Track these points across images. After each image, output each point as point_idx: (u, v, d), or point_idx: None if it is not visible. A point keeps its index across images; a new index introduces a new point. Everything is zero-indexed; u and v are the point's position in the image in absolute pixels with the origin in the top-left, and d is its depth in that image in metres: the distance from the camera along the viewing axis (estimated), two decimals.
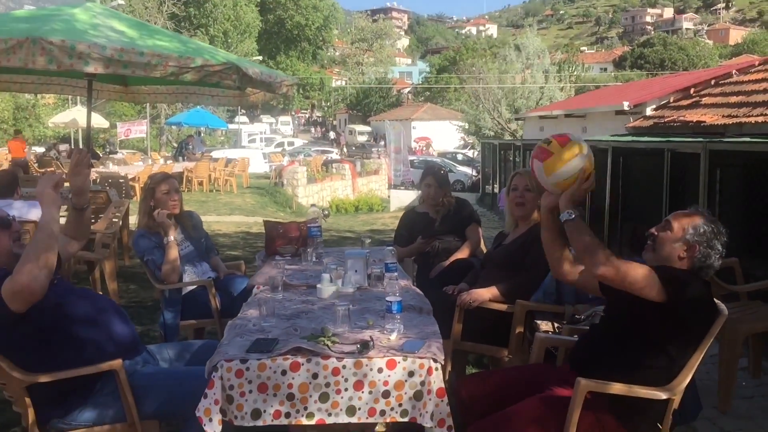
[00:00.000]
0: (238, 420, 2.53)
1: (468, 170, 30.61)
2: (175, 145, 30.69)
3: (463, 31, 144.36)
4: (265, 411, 2.53)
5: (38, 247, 2.57)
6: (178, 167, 20.18)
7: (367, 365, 2.51)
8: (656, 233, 2.70)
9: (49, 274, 2.56)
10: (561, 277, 2.93)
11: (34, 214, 5.85)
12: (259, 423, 2.53)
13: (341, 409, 2.54)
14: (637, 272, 2.47)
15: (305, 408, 2.54)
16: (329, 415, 2.54)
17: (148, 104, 25.87)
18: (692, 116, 11.19)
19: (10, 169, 9.07)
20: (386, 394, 2.54)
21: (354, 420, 2.55)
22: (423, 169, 6.25)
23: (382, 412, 2.55)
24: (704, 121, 10.47)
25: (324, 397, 2.54)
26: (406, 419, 2.56)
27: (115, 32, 5.87)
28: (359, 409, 2.54)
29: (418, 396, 2.54)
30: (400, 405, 2.55)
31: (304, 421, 2.55)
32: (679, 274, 2.55)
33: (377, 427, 3.02)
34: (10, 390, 2.70)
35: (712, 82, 13.30)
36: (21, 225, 2.93)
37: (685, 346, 2.52)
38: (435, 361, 2.53)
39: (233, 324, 2.98)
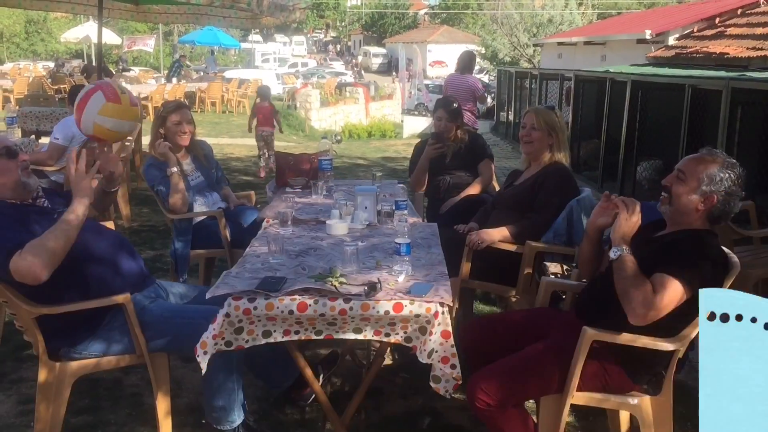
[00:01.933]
0: (249, 342, 2.58)
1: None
2: (189, 63, 30.35)
3: None
4: (275, 331, 2.59)
5: (57, 241, 2.57)
6: (191, 87, 20.01)
7: (374, 308, 2.52)
8: (670, 185, 2.60)
9: (58, 264, 2.58)
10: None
11: None
12: (270, 340, 2.59)
13: (348, 329, 2.60)
14: (672, 301, 2.39)
15: (313, 328, 2.60)
16: (336, 332, 2.61)
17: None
18: (716, 47, 10.89)
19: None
20: (392, 324, 2.58)
21: (360, 337, 2.62)
22: (437, 94, 6.16)
23: (387, 334, 2.60)
24: (728, 53, 10.19)
25: (331, 324, 2.59)
26: (408, 345, 2.61)
27: None
28: (365, 330, 2.60)
29: (422, 331, 2.58)
30: (405, 333, 2.59)
31: (313, 337, 2.61)
32: (703, 265, 2.45)
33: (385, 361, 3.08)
34: (20, 320, 2.74)
35: (739, 11, 12.88)
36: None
37: (695, 299, 2.49)
38: (442, 305, 2.54)
39: (242, 260, 2.99)
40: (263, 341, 2.60)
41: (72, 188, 2.75)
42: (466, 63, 8.70)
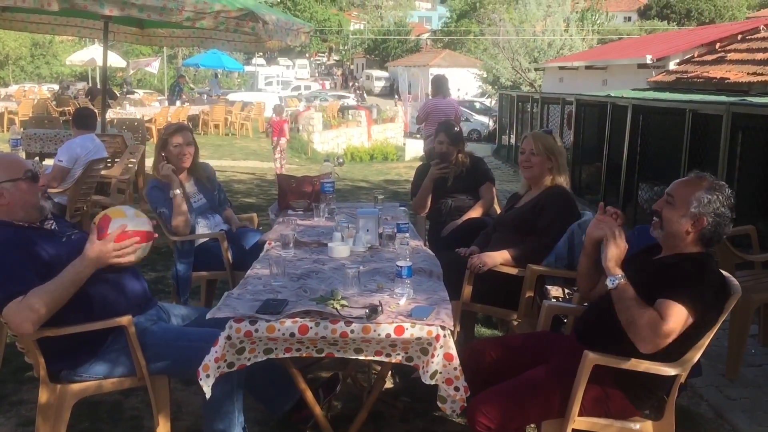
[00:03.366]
0: (251, 360, 2.59)
1: (485, 119, 30.30)
2: (192, 86, 30.56)
3: None
4: (276, 348, 2.60)
5: (58, 295, 2.59)
6: (195, 110, 20.13)
7: (375, 330, 2.52)
8: (660, 210, 2.62)
9: (45, 320, 2.60)
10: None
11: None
12: (272, 356, 2.60)
13: (349, 349, 2.61)
14: (678, 326, 2.39)
15: (315, 347, 2.61)
16: (338, 351, 2.62)
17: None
18: (716, 72, 10.97)
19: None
20: (393, 345, 2.59)
21: (361, 357, 2.63)
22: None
23: (388, 355, 2.61)
24: (728, 78, 10.27)
25: (332, 344, 2.60)
26: (410, 364, 2.61)
27: None
28: (366, 350, 2.61)
29: (424, 352, 2.58)
30: (406, 353, 2.60)
31: (315, 354, 2.63)
32: (705, 289, 2.46)
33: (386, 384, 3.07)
34: (21, 342, 2.74)
35: (739, 37, 13.00)
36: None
37: (696, 326, 2.49)
38: (443, 328, 2.54)
39: (244, 282, 3.00)
40: (264, 357, 2.61)
41: (91, 253, 2.66)
42: (441, 86, 9.12)
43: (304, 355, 2.63)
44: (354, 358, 2.64)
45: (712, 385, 3.93)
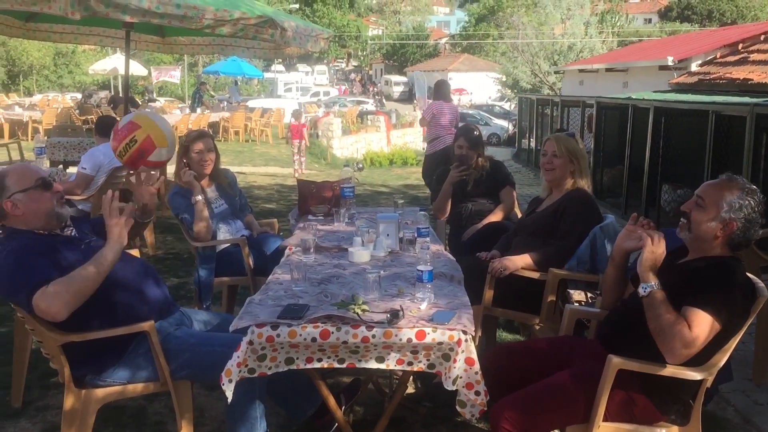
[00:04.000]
0: (272, 369, 2.59)
1: (504, 123, 30.20)
2: (213, 93, 30.78)
3: None
4: (297, 358, 2.60)
5: (83, 283, 2.61)
6: (215, 117, 20.28)
7: (396, 335, 2.52)
8: (689, 211, 2.58)
9: (78, 305, 2.62)
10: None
11: None
12: (293, 367, 2.60)
13: (371, 358, 2.60)
14: (704, 334, 2.36)
15: (336, 355, 2.60)
16: (359, 361, 2.61)
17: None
18: (739, 73, 10.84)
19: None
20: (414, 352, 2.58)
21: (383, 366, 2.61)
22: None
23: (410, 363, 2.60)
24: (751, 79, 10.15)
25: (354, 352, 2.60)
26: (432, 371, 2.60)
27: None
28: (388, 359, 2.60)
29: (446, 358, 2.57)
30: (428, 360, 2.59)
31: (336, 365, 2.62)
32: (732, 294, 2.42)
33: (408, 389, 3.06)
34: (46, 347, 2.77)
35: (762, 37, 12.84)
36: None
37: (724, 328, 2.45)
38: (465, 333, 2.53)
39: (265, 288, 3.01)
40: (286, 368, 2.60)
41: (108, 232, 2.77)
42: (443, 90, 9.44)
43: (325, 365, 2.62)
44: (375, 368, 2.63)
45: (738, 389, 3.88)
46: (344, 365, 2.61)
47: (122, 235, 2.76)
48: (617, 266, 2.82)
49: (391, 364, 2.61)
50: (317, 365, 2.62)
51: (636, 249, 2.66)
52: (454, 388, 2.55)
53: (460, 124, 6.51)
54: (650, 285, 2.46)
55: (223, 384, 2.54)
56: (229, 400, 2.56)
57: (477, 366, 2.55)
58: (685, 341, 2.34)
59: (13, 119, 17.99)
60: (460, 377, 2.54)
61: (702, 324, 2.34)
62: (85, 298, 2.62)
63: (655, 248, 2.53)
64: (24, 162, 6.56)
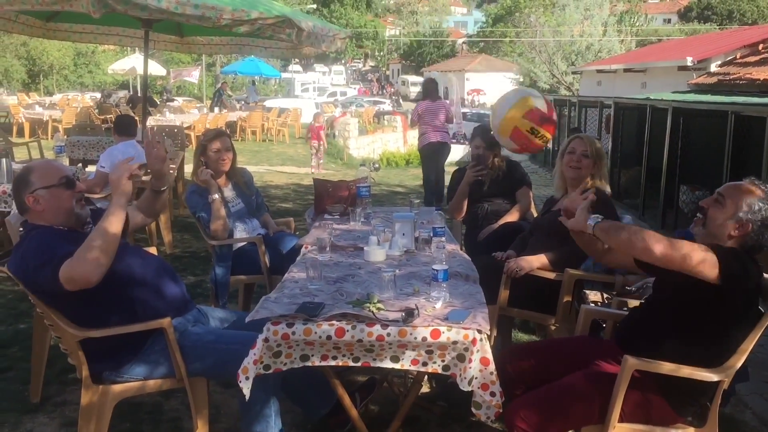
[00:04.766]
0: (287, 365, 2.61)
1: None
2: (231, 93, 30.95)
3: None
4: (312, 355, 2.61)
5: (103, 240, 2.61)
6: (232, 116, 20.38)
7: (411, 334, 2.52)
8: (707, 207, 2.58)
9: (108, 265, 2.61)
10: (609, 264, 3.00)
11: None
12: (308, 364, 2.61)
13: (386, 357, 2.61)
14: (692, 247, 2.37)
15: (351, 353, 2.61)
16: (374, 360, 2.61)
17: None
18: (759, 74, 10.73)
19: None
20: (429, 352, 2.58)
21: (397, 366, 2.62)
22: (475, 122, 6.25)
23: (425, 363, 2.60)
24: None
25: (369, 350, 2.60)
26: (447, 373, 2.60)
27: None
28: (402, 359, 2.60)
29: (461, 358, 2.56)
30: (443, 361, 2.58)
31: (351, 363, 2.63)
32: (737, 255, 2.43)
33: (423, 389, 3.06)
34: (65, 343, 2.80)
35: None
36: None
37: (739, 327, 2.44)
38: (480, 332, 2.52)
39: (281, 285, 3.02)
40: (301, 364, 2.62)
41: (112, 188, 2.78)
42: (432, 89, 10.20)
43: (340, 363, 2.63)
44: (390, 367, 2.63)
45: (756, 392, 3.84)
46: (359, 364, 2.62)
47: (127, 185, 2.78)
48: (580, 239, 2.94)
49: (405, 364, 2.61)
50: (332, 363, 2.63)
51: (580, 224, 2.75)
52: (470, 389, 2.55)
53: (475, 125, 6.50)
54: (596, 216, 2.60)
55: (240, 381, 2.55)
56: (247, 397, 2.58)
57: (492, 366, 2.54)
58: (655, 235, 2.40)
59: (34, 118, 18.20)
60: (476, 378, 2.54)
61: (689, 242, 2.40)
62: (110, 255, 2.61)
63: (573, 198, 2.77)
64: (49, 159, 6.63)
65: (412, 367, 2.62)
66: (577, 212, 2.69)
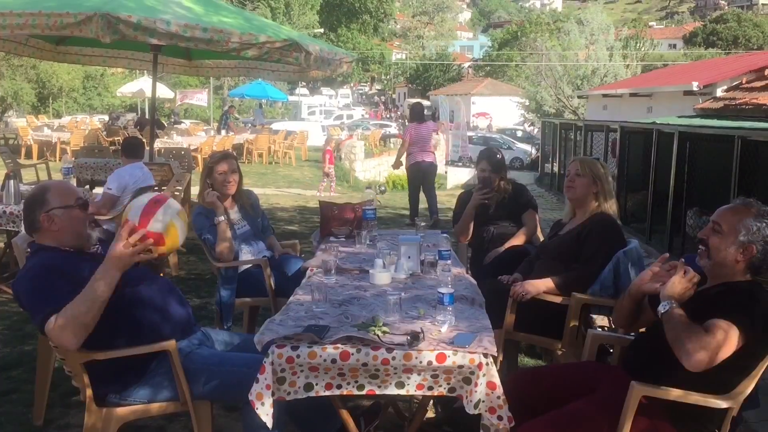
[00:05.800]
0: (291, 395, 2.58)
1: (527, 147, 30.16)
2: (237, 116, 31.16)
3: (527, 4, 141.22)
4: (317, 384, 2.59)
5: (86, 308, 2.59)
6: (239, 139, 20.49)
7: (416, 357, 2.50)
8: (707, 238, 2.56)
9: (91, 329, 2.61)
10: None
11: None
12: (312, 394, 2.59)
13: (390, 383, 2.58)
14: (724, 341, 2.33)
15: (356, 381, 2.59)
16: (378, 387, 2.59)
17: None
18: (765, 99, 10.74)
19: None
20: (435, 377, 2.56)
21: (403, 392, 2.59)
22: (481, 145, 6.28)
23: (430, 387, 2.58)
24: None
25: (374, 376, 2.58)
26: (453, 395, 2.58)
27: (182, 8, 5.98)
28: (408, 384, 2.58)
29: (467, 381, 2.54)
30: (448, 384, 2.56)
31: (355, 392, 2.60)
32: (756, 313, 2.39)
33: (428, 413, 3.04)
34: (69, 365, 2.79)
35: None
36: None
37: (748, 353, 2.42)
38: (486, 356, 2.51)
39: (286, 308, 3.01)
40: (305, 395, 2.58)
41: (114, 257, 2.64)
42: (419, 112, 10.74)
43: (345, 392, 2.60)
44: (395, 393, 2.61)
45: (766, 419, 3.79)
46: (364, 392, 2.59)
47: (125, 260, 2.65)
48: (633, 301, 2.79)
49: (411, 389, 2.58)
50: (336, 392, 2.60)
51: (656, 292, 2.62)
52: (476, 412, 2.52)
53: (481, 148, 6.52)
54: (670, 303, 2.46)
55: (257, 408, 2.53)
56: (269, 424, 2.54)
57: (500, 390, 2.52)
58: (702, 343, 2.31)
59: (42, 140, 18.34)
60: (482, 401, 2.52)
61: (720, 330, 2.32)
62: (91, 324, 2.60)
63: (687, 280, 2.50)
64: (62, 180, 6.67)
65: (418, 392, 2.60)
66: (669, 287, 2.52)
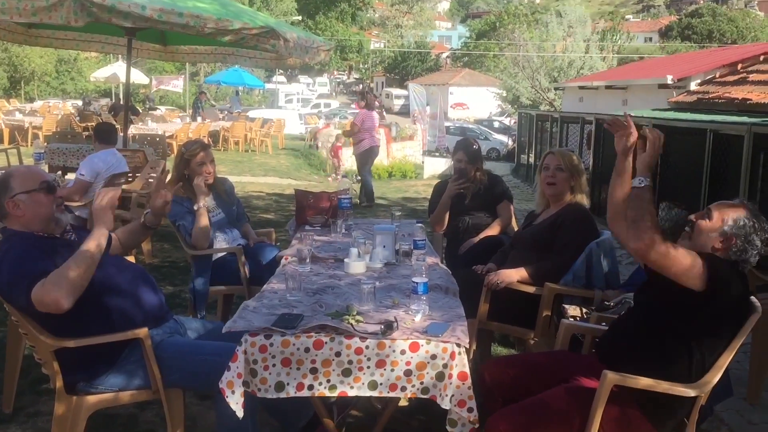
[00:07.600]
0: (261, 392, 2.56)
1: (504, 138, 30.28)
2: (213, 103, 30.86)
3: None
4: (288, 384, 2.56)
5: (77, 270, 2.60)
6: (215, 126, 20.32)
7: (390, 347, 2.51)
8: (695, 220, 2.64)
9: (81, 292, 2.60)
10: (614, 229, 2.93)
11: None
12: (283, 395, 2.57)
13: (363, 383, 2.57)
14: (680, 252, 2.41)
15: (328, 381, 2.57)
16: (351, 388, 2.57)
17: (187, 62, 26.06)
18: (738, 93, 10.89)
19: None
20: (408, 373, 2.56)
21: (375, 393, 2.58)
22: (458, 136, 6.28)
23: (403, 388, 2.57)
24: (750, 99, 10.19)
25: (346, 372, 2.56)
26: (426, 396, 2.58)
27: None
28: (380, 384, 2.57)
29: (439, 377, 2.54)
30: (421, 383, 2.56)
31: (327, 393, 2.59)
32: (724, 264, 2.49)
33: (401, 402, 3.04)
34: (39, 353, 2.76)
35: (761, 57, 12.92)
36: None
37: (716, 342, 2.47)
38: (459, 345, 2.52)
39: (260, 296, 3.00)
40: (275, 395, 2.56)
41: (94, 218, 2.79)
42: (372, 99, 11.77)
43: (316, 394, 2.58)
44: (368, 396, 2.60)
45: (732, 408, 3.86)
46: (336, 393, 2.58)
47: (110, 219, 2.79)
48: (618, 170, 2.85)
49: (383, 390, 2.56)
50: (307, 393, 2.58)
51: (633, 143, 2.73)
52: (451, 405, 2.53)
53: (458, 138, 6.55)
54: (646, 179, 2.56)
55: (227, 396, 2.51)
56: (239, 413, 2.53)
57: (469, 381, 2.53)
58: (655, 232, 2.40)
59: (14, 125, 18.02)
60: (453, 395, 2.53)
61: (684, 249, 2.42)
62: (83, 285, 2.60)
63: (658, 146, 2.64)
64: (29, 165, 6.58)
65: (391, 394, 2.58)
66: (643, 159, 2.64)
